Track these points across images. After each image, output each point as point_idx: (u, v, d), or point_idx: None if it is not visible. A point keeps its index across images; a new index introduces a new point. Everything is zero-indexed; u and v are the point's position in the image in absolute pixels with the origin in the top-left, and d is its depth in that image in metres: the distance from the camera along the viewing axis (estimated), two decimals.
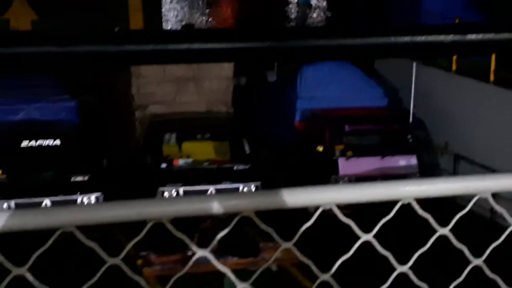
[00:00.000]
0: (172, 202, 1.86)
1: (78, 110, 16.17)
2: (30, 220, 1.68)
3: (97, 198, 14.05)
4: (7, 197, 13.63)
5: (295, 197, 1.99)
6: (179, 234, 1.86)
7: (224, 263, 2.07)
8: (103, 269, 1.79)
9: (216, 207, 1.90)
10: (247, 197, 1.98)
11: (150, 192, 14.39)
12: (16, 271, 1.73)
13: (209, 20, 25.25)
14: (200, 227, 13.41)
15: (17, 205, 13.55)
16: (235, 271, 2.01)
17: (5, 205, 13.54)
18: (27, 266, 1.73)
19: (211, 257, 1.95)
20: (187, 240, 1.89)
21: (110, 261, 1.78)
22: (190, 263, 1.92)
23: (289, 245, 1.99)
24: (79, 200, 13.90)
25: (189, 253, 13.08)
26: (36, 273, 1.77)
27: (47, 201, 13.63)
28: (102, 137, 15.97)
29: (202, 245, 1.98)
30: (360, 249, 2.09)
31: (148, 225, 1.81)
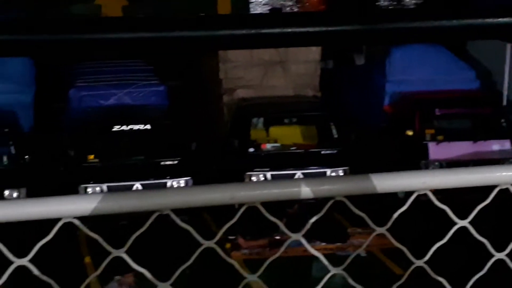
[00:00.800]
0: (264, 186, 1.85)
1: (167, 95, 16.39)
2: (128, 203, 1.71)
3: (186, 182, 14.23)
4: (99, 181, 13.96)
5: (388, 182, 1.96)
6: (272, 218, 1.86)
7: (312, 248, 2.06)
8: (198, 251, 1.81)
9: (307, 191, 1.88)
10: (339, 182, 1.96)
11: (237, 176, 14.48)
12: (115, 252, 1.77)
13: (296, 3, 25.15)
14: (288, 212, 13.43)
15: (109, 189, 13.85)
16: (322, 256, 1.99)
17: (97, 189, 13.87)
18: (125, 248, 1.78)
19: (304, 242, 1.94)
20: (280, 224, 1.88)
21: (205, 243, 1.80)
22: (283, 247, 1.92)
23: (382, 230, 1.97)
24: (169, 184, 14.11)
25: (277, 237, 13.12)
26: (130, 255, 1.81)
27: (138, 185, 13.90)
28: (191, 122, 16.14)
29: (290, 230, 1.97)
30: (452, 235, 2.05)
31: (242, 209, 1.81)
